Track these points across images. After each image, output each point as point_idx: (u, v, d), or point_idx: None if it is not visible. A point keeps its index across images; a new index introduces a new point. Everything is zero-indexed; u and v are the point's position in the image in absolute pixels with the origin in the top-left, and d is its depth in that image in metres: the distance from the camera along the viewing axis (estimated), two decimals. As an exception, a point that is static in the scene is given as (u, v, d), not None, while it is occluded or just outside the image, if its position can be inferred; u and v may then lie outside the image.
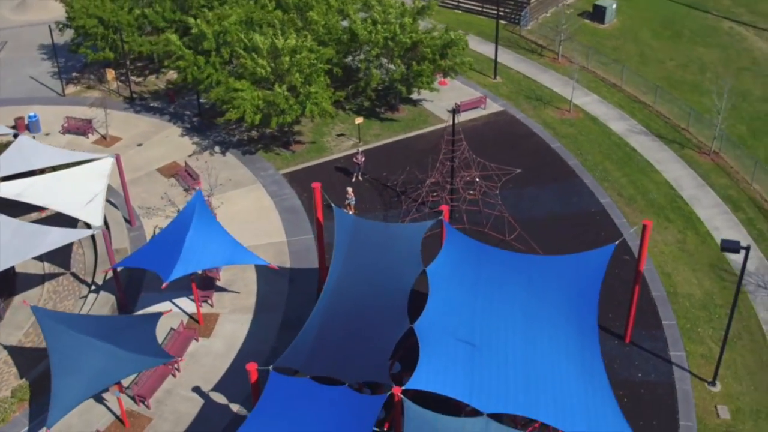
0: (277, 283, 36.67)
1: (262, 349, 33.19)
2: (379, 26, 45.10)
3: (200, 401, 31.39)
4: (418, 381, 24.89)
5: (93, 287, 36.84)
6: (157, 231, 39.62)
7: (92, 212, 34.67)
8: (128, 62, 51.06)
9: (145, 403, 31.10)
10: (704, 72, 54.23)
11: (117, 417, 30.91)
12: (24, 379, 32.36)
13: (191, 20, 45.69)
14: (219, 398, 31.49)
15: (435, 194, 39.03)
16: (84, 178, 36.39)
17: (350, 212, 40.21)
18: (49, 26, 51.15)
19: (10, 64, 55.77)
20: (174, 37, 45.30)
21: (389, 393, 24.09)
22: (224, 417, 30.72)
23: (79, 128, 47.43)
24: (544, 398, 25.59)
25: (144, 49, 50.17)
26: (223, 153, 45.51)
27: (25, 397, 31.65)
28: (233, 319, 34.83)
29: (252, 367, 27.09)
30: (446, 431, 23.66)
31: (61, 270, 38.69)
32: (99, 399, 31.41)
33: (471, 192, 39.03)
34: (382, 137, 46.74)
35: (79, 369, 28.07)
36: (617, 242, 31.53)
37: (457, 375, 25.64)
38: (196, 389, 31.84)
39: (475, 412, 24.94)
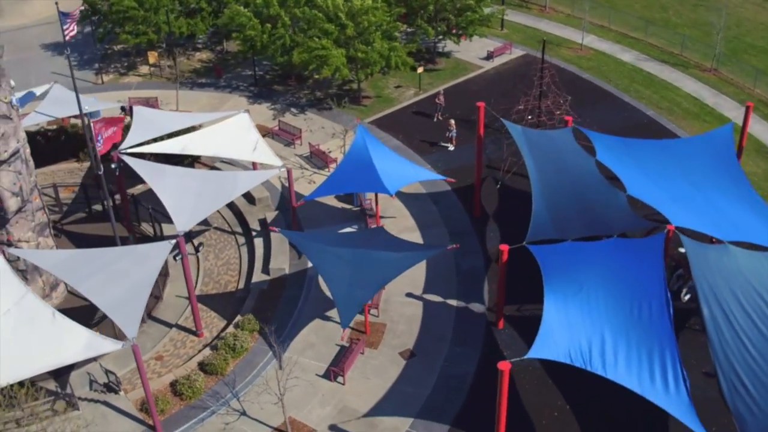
0: (423, 207, 40.16)
1: (446, 252, 36.43)
2: (436, -16, 49.50)
3: (419, 303, 34.56)
4: (676, 220, 29.77)
5: (254, 233, 38.75)
6: (283, 181, 41.81)
7: (267, 156, 36.70)
8: (165, 44, 52.11)
9: (374, 313, 33.83)
10: (666, 10, 62.54)
11: (351, 327, 33.46)
12: (241, 315, 34.04)
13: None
14: (434, 298, 34.79)
15: (530, 117, 43.92)
16: (234, 131, 38.09)
17: (452, 144, 44.38)
18: (91, 17, 51.16)
19: (23, 64, 54.76)
20: (242, 9, 47.32)
21: (666, 231, 28.70)
22: (449, 312, 34.08)
23: (146, 107, 48.09)
24: (745, 229, 31.09)
25: (184, 30, 51.48)
26: (302, 112, 48.09)
27: (255, 328, 33.45)
28: (404, 237, 37.85)
29: (504, 248, 30.81)
30: (707, 256, 28.38)
31: (203, 227, 40.10)
32: (324, 317, 33.83)
33: (558, 112, 44.26)
34: (436, 84, 51.02)
35: (351, 275, 30.23)
36: (732, 122, 37.93)
37: (688, 216, 30.68)
38: (410, 294, 34.96)
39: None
